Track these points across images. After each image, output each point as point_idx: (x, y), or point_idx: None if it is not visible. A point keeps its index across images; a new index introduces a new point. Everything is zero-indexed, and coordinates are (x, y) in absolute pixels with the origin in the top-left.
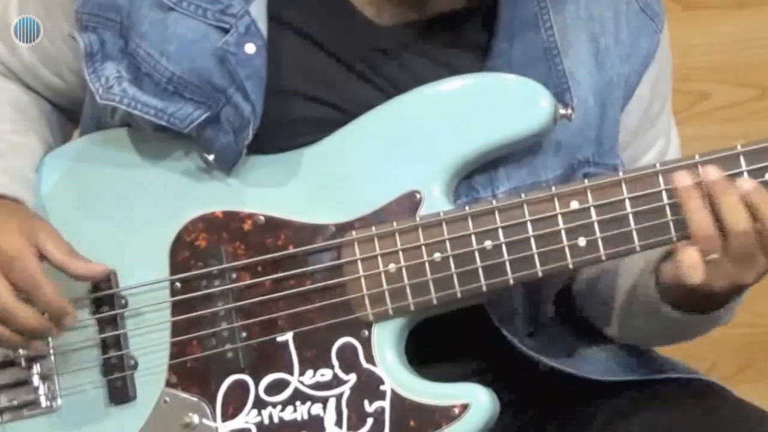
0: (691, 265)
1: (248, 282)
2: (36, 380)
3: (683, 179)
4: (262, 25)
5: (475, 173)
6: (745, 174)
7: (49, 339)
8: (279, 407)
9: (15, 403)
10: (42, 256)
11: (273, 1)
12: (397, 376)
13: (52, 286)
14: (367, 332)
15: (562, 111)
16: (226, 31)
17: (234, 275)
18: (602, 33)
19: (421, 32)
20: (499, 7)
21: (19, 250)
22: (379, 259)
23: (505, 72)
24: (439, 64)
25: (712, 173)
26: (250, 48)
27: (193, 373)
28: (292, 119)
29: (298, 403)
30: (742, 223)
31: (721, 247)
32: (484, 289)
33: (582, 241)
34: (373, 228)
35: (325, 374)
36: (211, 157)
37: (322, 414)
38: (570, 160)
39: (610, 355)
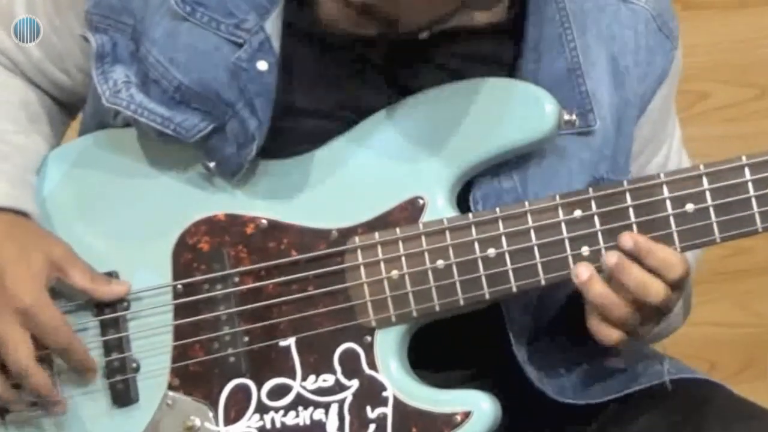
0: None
1: (251, 286)
2: None
3: (582, 274)
4: (276, 42)
5: (504, 194)
6: (750, 185)
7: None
8: (281, 412)
9: (17, 404)
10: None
11: (288, 13)
12: (399, 382)
13: (84, 348)
14: (369, 338)
15: (566, 117)
16: (238, 45)
17: (237, 279)
18: (622, 53)
19: (441, 46)
20: (526, 28)
21: (52, 314)
22: (382, 265)
23: None
24: (460, 78)
25: (611, 259)
26: (262, 65)
27: (196, 376)
28: (301, 133)
29: (300, 408)
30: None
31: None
32: (487, 297)
33: (585, 250)
34: (376, 234)
35: (327, 380)
36: (212, 165)
37: (324, 419)
38: (589, 178)
39: (602, 372)
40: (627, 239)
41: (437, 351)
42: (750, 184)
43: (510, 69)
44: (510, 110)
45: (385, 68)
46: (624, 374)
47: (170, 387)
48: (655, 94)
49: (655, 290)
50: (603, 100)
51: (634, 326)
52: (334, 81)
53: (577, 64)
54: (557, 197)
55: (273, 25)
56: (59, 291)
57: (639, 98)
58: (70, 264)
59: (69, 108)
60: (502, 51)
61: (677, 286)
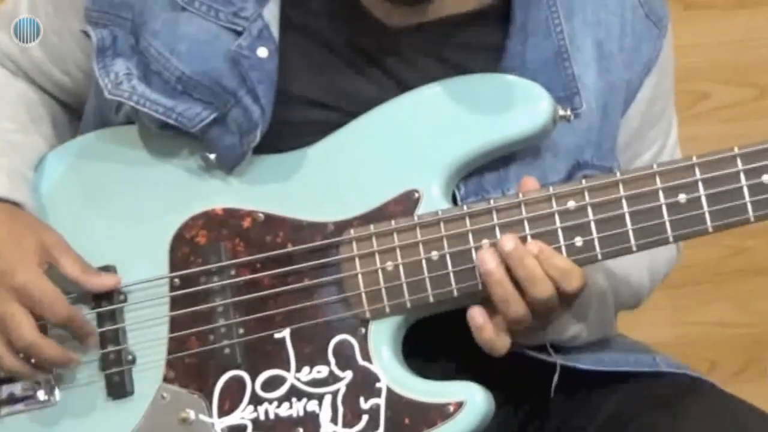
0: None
1: (247, 278)
2: None
3: (488, 262)
4: (275, 29)
5: (486, 173)
6: (741, 175)
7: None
8: (275, 403)
9: (13, 396)
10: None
11: (284, 3)
12: (392, 373)
13: (82, 315)
14: (363, 330)
15: (561, 113)
16: (238, 33)
17: (233, 272)
18: (607, 38)
19: (433, 34)
20: (513, 10)
21: (46, 288)
22: (377, 256)
23: (519, 74)
24: (452, 66)
25: (508, 244)
26: (262, 52)
27: (191, 368)
28: (299, 123)
29: (294, 399)
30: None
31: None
32: (480, 287)
33: (579, 241)
34: (371, 226)
35: (321, 371)
36: (212, 157)
37: (317, 411)
38: (572, 162)
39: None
40: (532, 244)
41: (432, 342)
42: (742, 174)
43: (498, 53)
44: (506, 105)
45: (378, 58)
46: (619, 356)
47: (165, 379)
48: (643, 83)
49: (542, 287)
50: (589, 85)
51: (523, 324)
52: (328, 71)
53: (563, 48)
54: (551, 188)
55: (271, 12)
56: (55, 283)
57: (626, 84)
58: (62, 252)
59: (74, 111)
60: (490, 36)
61: (567, 297)
